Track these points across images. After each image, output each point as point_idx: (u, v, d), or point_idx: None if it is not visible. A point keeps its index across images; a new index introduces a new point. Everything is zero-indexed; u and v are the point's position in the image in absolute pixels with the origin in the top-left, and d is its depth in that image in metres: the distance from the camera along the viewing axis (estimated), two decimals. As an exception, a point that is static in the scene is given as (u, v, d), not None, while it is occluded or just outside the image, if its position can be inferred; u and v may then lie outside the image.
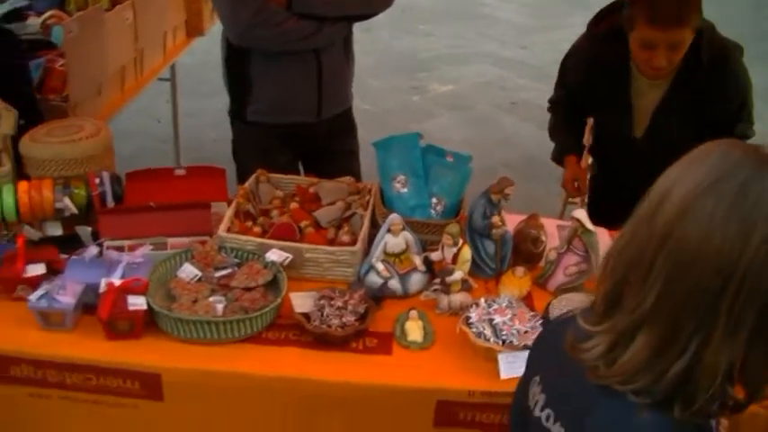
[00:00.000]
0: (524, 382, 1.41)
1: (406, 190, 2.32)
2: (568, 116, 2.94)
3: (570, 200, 3.00)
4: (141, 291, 1.89)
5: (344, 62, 2.89)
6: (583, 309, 1.23)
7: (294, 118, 2.83)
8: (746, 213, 1.00)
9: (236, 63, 2.74)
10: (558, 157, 3.03)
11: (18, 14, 3.64)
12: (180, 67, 4.64)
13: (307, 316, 1.94)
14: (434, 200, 2.34)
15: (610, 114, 2.76)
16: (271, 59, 2.69)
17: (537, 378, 1.33)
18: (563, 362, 1.21)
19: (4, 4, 3.75)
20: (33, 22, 3.52)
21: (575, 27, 10.92)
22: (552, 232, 2.52)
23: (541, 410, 1.27)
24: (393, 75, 7.20)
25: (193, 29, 4.22)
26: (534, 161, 5.56)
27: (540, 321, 1.97)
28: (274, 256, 2.07)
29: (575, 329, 1.19)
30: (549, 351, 1.32)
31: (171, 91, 4.68)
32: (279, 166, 2.62)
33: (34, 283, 1.98)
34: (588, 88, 2.79)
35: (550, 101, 3.08)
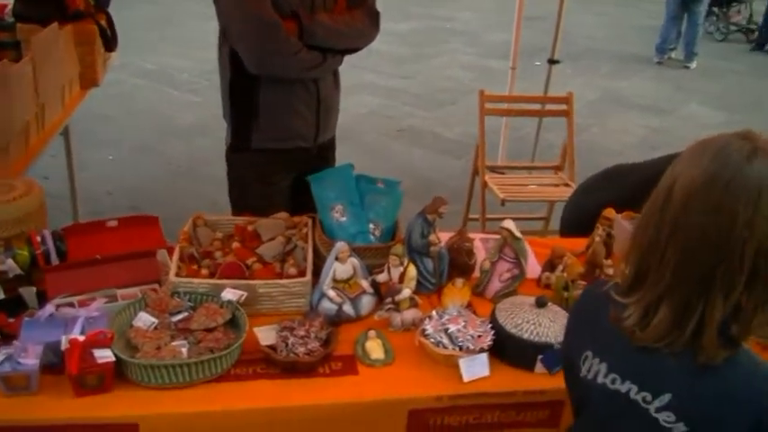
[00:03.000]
0: (571, 362, 1.63)
1: (345, 219, 2.43)
2: None
3: None
4: (107, 343, 1.90)
5: (336, 91, 3.05)
6: (612, 285, 1.54)
7: (295, 143, 2.95)
8: (731, 206, 1.30)
9: (244, 92, 2.81)
10: None
11: None
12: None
13: (272, 348, 2.01)
14: (372, 225, 2.46)
15: None
16: (279, 87, 2.79)
17: (588, 353, 1.56)
18: (608, 333, 1.50)
19: None
20: None
21: (450, 53, 11.35)
22: (477, 245, 2.68)
23: (605, 377, 1.52)
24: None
25: (88, 81, 4.17)
26: (429, 183, 5.76)
27: (489, 325, 2.11)
28: (230, 294, 2.12)
29: (614, 304, 1.49)
30: (592, 329, 1.59)
31: (65, 145, 4.59)
32: (279, 190, 2.82)
33: (-13, 350, 1.95)
34: None
35: None
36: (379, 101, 8.04)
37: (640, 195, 3.05)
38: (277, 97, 2.81)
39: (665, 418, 1.43)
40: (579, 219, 3.37)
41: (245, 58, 2.69)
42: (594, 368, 1.54)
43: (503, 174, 5.17)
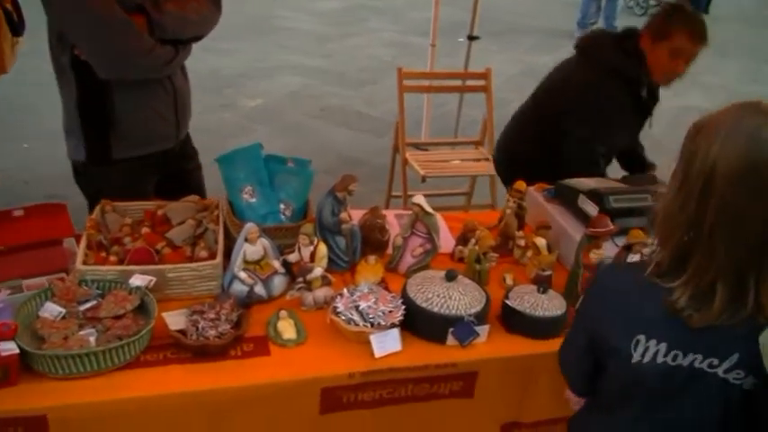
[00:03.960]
0: (616, 352, 1.61)
1: (255, 200, 2.42)
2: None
3: None
4: (10, 335, 1.86)
5: (187, 83, 2.91)
6: (649, 273, 1.54)
7: (159, 146, 2.82)
8: None
9: (96, 101, 2.61)
10: None
11: None
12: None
13: (183, 332, 1.99)
14: (283, 205, 2.46)
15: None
16: (135, 90, 2.62)
17: (641, 337, 1.56)
18: (660, 314, 1.52)
19: None
20: None
21: (373, 32, 11.29)
22: (392, 222, 2.70)
23: (665, 356, 1.54)
24: (202, 95, 7.15)
25: (-6, 69, 4.04)
26: (351, 162, 5.77)
27: (400, 301, 2.13)
28: (138, 280, 2.10)
29: (662, 288, 1.50)
30: (637, 313, 1.58)
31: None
32: (145, 196, 2.64)
33: None
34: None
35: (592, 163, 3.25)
36: (301, 81, 7.98)
37: (552, 95, 3.23)
38: (134, 101, 2.64)
39: (734, 376, 1.49)
40: (509, 147, 3.67)
41: (96, 63, 2.50)
42: (651, 350, 1.55)
43: (426, 150, 5.19)
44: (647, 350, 1.55)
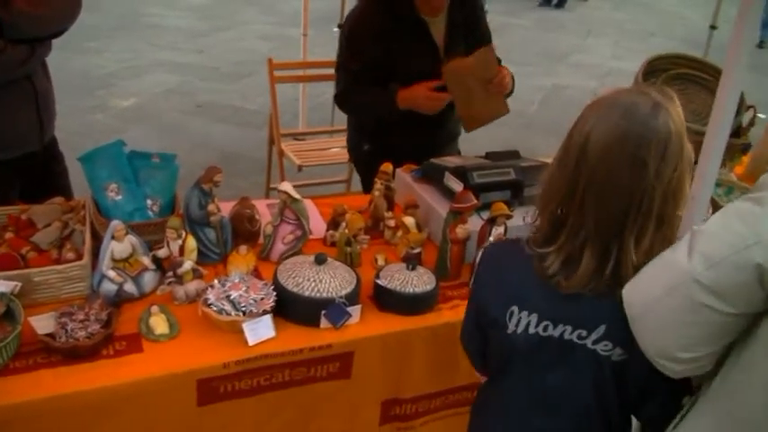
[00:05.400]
0: (493, 322, 1.69)
1: (120, 197, 2.39)
2: (374, 82, 3.10)
3: None
4: None
5: (49, 83, 2.81)
6: (527, 239, 1.64)
7: (22, 149, 2.72)
8: (643, 158, 1.44)
9: None
10: (394, 106, 3.06)
11: None
12: None
13: (51, 336, 1.96)
14: (150, 201, 2.43)
15: (419, 60, 3.09)
16: None
17: (514, 308, 1.64)
18: (531, 285, 1.61)
19: None
20: None
21: (246, 24, 11.17)
22: (264, 211, 2.72)
23: (536, 326, 1.62)
24: (71, 96, 6.95)
25: None
26: (230, 157, 5.74)
27: (272, 288, 2.16)
28: (2, 287, 2.04)
29: (535, 256, 1.60)
30: (511, 284, 1.67)
31: None
32: (9, 201, 2.55)
33: None
34: (391, 46, 3.04)
35: (342, 91, 3.23)
36: (175, 78, 7.86)
37: None
38: None
39: (602, 347, 1.57)
40: None
41: None
42: (524, 321, 1.62)
43: (302, 140, 5.23)
44: (521, 321, 1.63)
